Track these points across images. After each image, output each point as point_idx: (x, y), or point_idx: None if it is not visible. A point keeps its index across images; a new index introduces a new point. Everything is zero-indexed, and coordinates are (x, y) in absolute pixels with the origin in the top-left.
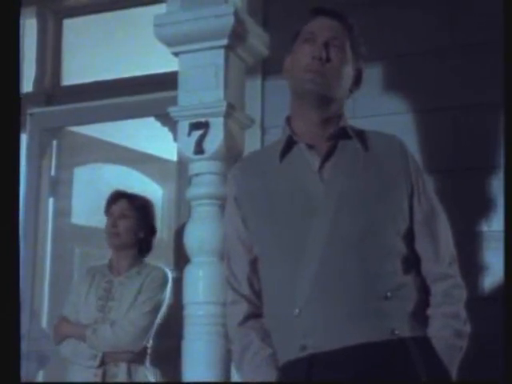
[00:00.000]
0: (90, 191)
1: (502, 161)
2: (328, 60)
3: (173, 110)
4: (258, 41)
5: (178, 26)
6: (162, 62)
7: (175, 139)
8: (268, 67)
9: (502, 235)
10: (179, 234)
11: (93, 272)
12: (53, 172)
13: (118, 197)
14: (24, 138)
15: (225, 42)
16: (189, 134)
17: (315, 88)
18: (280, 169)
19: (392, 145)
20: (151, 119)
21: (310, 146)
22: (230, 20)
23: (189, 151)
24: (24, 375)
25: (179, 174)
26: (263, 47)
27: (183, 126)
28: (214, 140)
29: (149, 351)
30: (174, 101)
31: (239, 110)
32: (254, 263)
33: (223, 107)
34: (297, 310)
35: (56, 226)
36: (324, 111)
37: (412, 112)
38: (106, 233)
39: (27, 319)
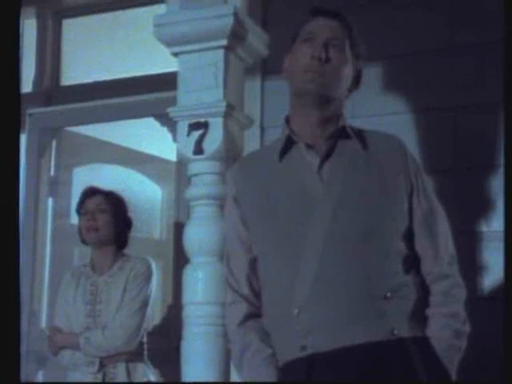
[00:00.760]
0: None
1: (501, 160)
2: (327, 60)
3: (172, 110)
4: (258, 41)
5: (177, 27)
6: (161, 62)
7: (174, 139)
8: (267, 67)
9: (501, 235)
10: (178, 234)
11: (77, 274)
12: (52, 172)
13: (93, 192)
14: (23, 138)
15: (224, 42)
16: (188, 134)
17: (314, 88)
18: (279, 169)
19: (391, 144)
20: (150, 119)
21: (310, 146)
22: (230, 20)
23: (188, 151)
24: (23, 375)
25: (178, 174)
26: (263, 47)
27: (182, 126)
28: (214, 140)
29: (145, 347)
30: (173, 101)
31: (238, 110)
32: (253, 263)
33: (222, 107)
34: (296, 310)
35: (55, 227)
36: (323, 111)
37: (411, 112)
38: (84, 228)
39: (26, 319)
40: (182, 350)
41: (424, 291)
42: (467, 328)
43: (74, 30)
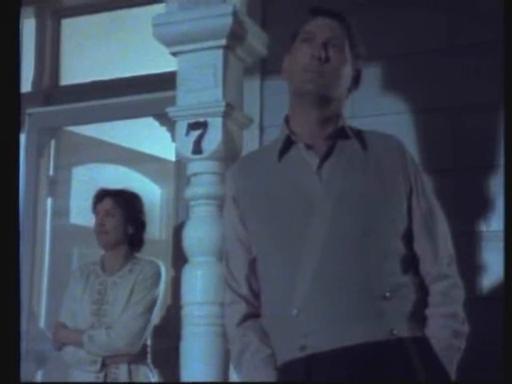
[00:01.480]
0: (89, 191)
1: (501, 160)
2: (327, 60)
3: (171, 110)
4: (257, 41)
5: (176, 26)
6: (160, 61)
7: (173, 139)
8: (267, 67)
9: (500, 235)
10: (177, 233)
11: (86, 272)
12: (51, 172)
13: (102, 195)
14: (22, 138)
15: (223, 42)
16: (187, 134)
17: (314, 88)
18: (278, 169)
19: (391, 144)
20: (150, 119)
21: (309, 146)
22: (229, 20)
23: (187, 151)
24: (23, 375)
25: (177, 173)
26: (262, 47)
27: (181, 126)
28: (213, 140)
29: (148, 349)
30: (172, 101)
31: (238, 110)
32: (252, 263)
33: (222, 107)
34: (295, 310)
35: (54, 226)
36: (323, 111)
37: (411, 112)
38: (94, 232)
39: (25, 319)
40: (181, 350)
41: (423, 291)
42: (466, 328)
43: (73, 29)
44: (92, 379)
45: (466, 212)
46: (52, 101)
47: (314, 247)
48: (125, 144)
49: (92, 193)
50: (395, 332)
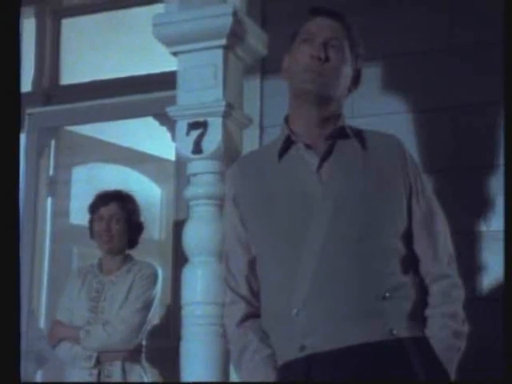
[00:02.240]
0: (89, 191)
1: (501, 160)
2: (327, 60)
3: (171, 110)
4: (257, 41)
5: (176, 26)
6: (160, 61)
7: (173, 139)
8: (267, 67)
9: (500, 235)
10: (177, 233)
11: (84, 272)
12: (51, 172)
13: (108, 199)
14: (22, 138)
15: (223, 41)
16: (187, 134)
17: (314, 88)
18: (278, 168)
19: (390, 144)
20: (150, 119)
21: (309, 146)
22: (229, 20)
23: (187, 151)
24: (22, 375)
25: (177, 173)
26: (262, 47)
27: (182, 126)
28: (213, 140)
29: (143, 349)
30: (172, 100)
31: (238, 110)
32: (252, 263)
33: (222, 107)
34: (295, 310)
35: (54, 226)
36: (323, 111)
37: (411, 112)
38: (97, 234)
39: (25, 319)
40: (181, 349)
41: (423, 291)
42: (466, 328)
43: (73, 29)
44: (86, 375)
45: (465, 212)
46: (52, 101)
47: (314, 247)
48: (125, 144)
49: (92, 193)
50: (395, 332)
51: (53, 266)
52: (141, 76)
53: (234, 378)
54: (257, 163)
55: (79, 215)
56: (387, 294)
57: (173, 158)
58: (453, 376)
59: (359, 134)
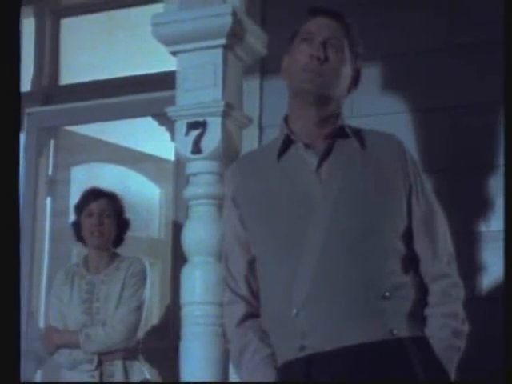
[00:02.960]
0: None
1: (501, 160)
2: (326, 59)
3: (170, 110)
4: (256, 40)
5: (176, 26)
6: (159, 61)
7: (173, 139)
8: (266, 67)
9: (500, 235)
10: (176, 233)
11: (70, 274)
12: (50, 172)
13: (97, 195)
14: (21, 138)
15: (223, 41)
16: (186, 134)
17: (313, 87)
18: (278, 168)
19: (390, 144)
20: (149, 119)
21: (308, 146)
22: (228, 19)
23: (186, 151)
24: (22, 375)
25: (177, 173)
26: (261, 47)
27: (181, 126)
28: (212, 139)
29: (141, 345)
30: (171, 100)
31: (237, 110)
32: (251, 263)
33: (221, 107)
34: (295, 310)
35: (53, 226)
36: (322, 110)
37: (410, 111)
38: (87, 231)
39: (24, 319)
40: (180, 349)
41: (423, 291)
42: (466, 328)
43: (72, 29)
44: (88, 378)
45: (465, 212)
46: (51, 100)
47: (314, 247)
48: (124, 144)
49: None
50: (395, 332)
51: (52, 266)
52: (140, 76)
53: (233, 377)
54: (256, 163)
55: None
56: (387, 294)
57: (172, 157)
58: (453, 376)
59: (358, 134)
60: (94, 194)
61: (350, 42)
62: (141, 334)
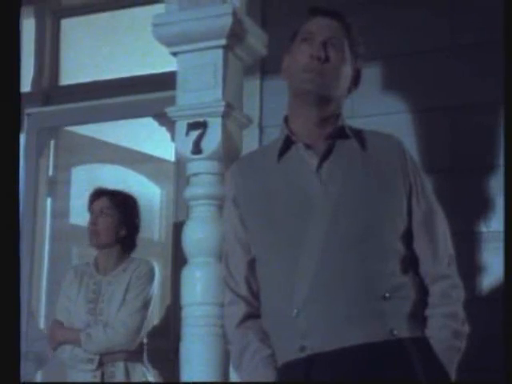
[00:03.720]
0: (88, 191)
1: (501, 161)
2: (326, 60)
3: (171, 110)
4: (257, 40)
5: (176, 26)
6: (160, 61)
7: (173, 139)
8: (266, 67)
9: (500, 235)
10: (177, 234)
11: (80, 273)
12: (50, 172)
13: (99, 194)
14: (21, 138)
15: (223, 41)
16: (187, 134)
17: (313, 88)
18: (278, 169)
19: (390, 144)
20: (149, 119)
21: (308, 146)
22: (229, 20)
23: (187, 151)
24: (22, 375)
25: (177, 173)
26: (262, 47)
27: (181, 126)
28: (212, 140)
29: (145, 348)
30: (171, 101)
31: (237, 110)
32: (252, 263)
33: (221, 107)
34: (295, 311)
35: (54, 227)
36: (322, 111)
37: (411, 112)
38: (88, 230)
39: (24, 319)
40: (181, 350)
41: (423, 292)
42: (466, 328)
43: (73, 29)
44: (89, 378)
45: (465, 212)
46: (51, 101)
47: (314, 247)
48: (124, 144)
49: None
50: (395, 332)
51: (52, 267)
52: (140, 76)
53: (233, 378)
54: (256, 163)
55: (79, 215)
56: (387, 295)
57: (172, 158)
58: (453, 376)
59: (359, 134)
60: (95, 194)
61: (350, 42)
62: (144, 336)
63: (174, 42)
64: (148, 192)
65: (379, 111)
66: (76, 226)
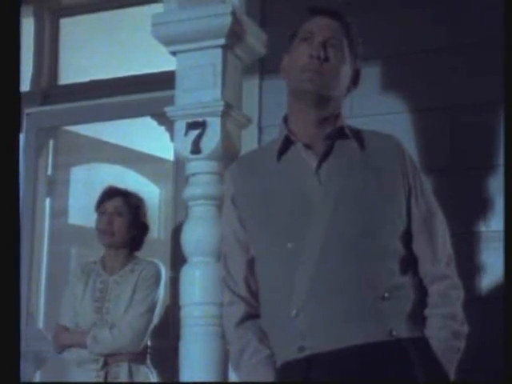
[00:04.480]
0: (87, 191)
1: (500, 161)
2: (326, 59)
3: (170, 110)
4: (256, 40)
5: (175, 26)
6: (159, 61)
7: (172, 139)
8: (265, 66)
9: (500, 235)
10: (176, 234)
11: (87, 271)
12: (49, 172)
13: (113, 194)
14: (20, 138)
15: (222, 41)
16: (186, 134)
17: (313, 87)
18: (277, 169)
19: (389, 144)
20: (148, 118)
21: (308, 146)
22: (228, 19)
23: (186, 151)
24: (21, 376)
25: (176, 173)
26: (261, 46)
27: (180, 126)
28: (211, 139)
29: (149, 350)
30: (170, 100)
31: (236, 110)
32: (251, 263)
33: (220, 107)
34: (294, 311)
35: (52, 226)
36: (321, 111)
37: (410, 111)
38: (100, 230)
39: (24, 320)
40: (180, 350)
41: (422, 292)
42: (465, 328)
43: (72, 29)
44: (93, 378)
45: (465, 212)
46: (50, 100)
47: (313, 247)
48: (123, 144)
49: (90, 193)
50: (394, 333)
51: (51, 266)
52: (139, 75)
53: (232, 378)
54: (256, 163)
55: (78, 215)
56: (386, 295)
57: (171, 158)
58: (452, 376)
59: (358, 134)
60: (108, 193)
61: (349, 42)
62: (148, 338)
63: (173, 42)
64: (147, 191)
65: (378, 111)
66: (75, 226)
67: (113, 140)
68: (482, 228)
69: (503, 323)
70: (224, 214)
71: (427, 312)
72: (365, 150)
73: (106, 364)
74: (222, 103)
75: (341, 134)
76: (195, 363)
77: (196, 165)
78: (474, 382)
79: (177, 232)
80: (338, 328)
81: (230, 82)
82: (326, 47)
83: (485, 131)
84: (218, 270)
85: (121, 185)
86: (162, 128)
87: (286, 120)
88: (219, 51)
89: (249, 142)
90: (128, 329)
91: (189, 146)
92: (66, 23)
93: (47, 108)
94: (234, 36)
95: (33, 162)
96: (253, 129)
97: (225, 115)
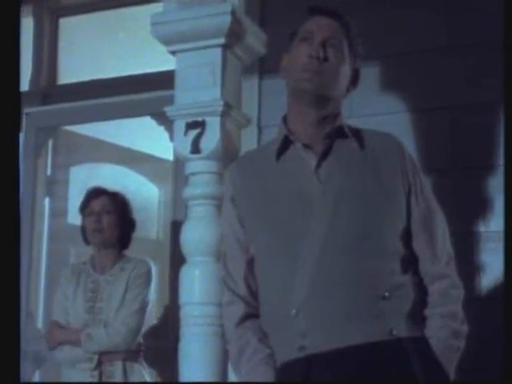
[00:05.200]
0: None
1: (500, 161)
2: (325, 59)
3: (169, 109)
4: (255, 40)
5: (175, 25)
6: (158, 60)
7: (171, 138)
8: (265, 66)
9: (499, 235)
10: (175, 233)
11: (77, 271)
12: (49, 172)
13: (98, 193)
14: (20, 138)
15: (222, 40)
16: (185, 133)
17: (312, 87)
18: (277, 168)
19: (389, 144)
20: (147, 118)
21: (307, 146)
22: (228, 19)
23: (185, 150)
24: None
25: (175, 173)
26: (260, 46)
27: (180, 125)
28: (211, 139)
29: (142, 348)
30: (170, 100)
31: (236, 109)
32: (250, 263)
33: (220, 106)
34: (294, 311)
35: (52, 226)
36: (321, 110)
37: (410, 111)
38: (89, 229)
39: (23, 319)
40: (179, 350)
41: (422, 291)
42: (465, 328)
43: (71, 28)
44: (87, 377)
45: (465, 212)
46: (49, 100)
47: (313, 247)
48: (122, 143)
49: None
50: (394, 332)
51: (50, 266)
52: (139, 75)
53: (232, 378)
54: (255, 163)
55: (77, 215)
56: (387, 294)
57: (171, 157)
58: (452, 376)
59: (357, 134)
60: (94, 193)
61: (349, 42)
62: (141, 336)
63: (172, 41)
64: (146, 191)
65: (378, 111)
66: (74, 226)
67: (112, 140)
68: (482, 228)
69: (503, 323)
70: (223, 214)
71: (427, 311)
72: (364, 149)
73: (99, 363)
74: (222, 103)
75: (340, 133)
76: (195, 363)
77: (195, 164)
78: (474, 382)
79: (176, 232)
80: (338, 327)
81: (229, 82)
82: (326, 47)
83: (485, 131)
84: (217, 270)
85: (120, 185)
86: (162, 128)
87: (285, 120)
88: (219, 51)
89: (248, 141)
90: (122, 326)
91: (188, 145)
92: (65, 23)
93: (46, 108)
94: (234, 35)
95: (32, 162)
96: (252, 129)
97: (224, 115)
